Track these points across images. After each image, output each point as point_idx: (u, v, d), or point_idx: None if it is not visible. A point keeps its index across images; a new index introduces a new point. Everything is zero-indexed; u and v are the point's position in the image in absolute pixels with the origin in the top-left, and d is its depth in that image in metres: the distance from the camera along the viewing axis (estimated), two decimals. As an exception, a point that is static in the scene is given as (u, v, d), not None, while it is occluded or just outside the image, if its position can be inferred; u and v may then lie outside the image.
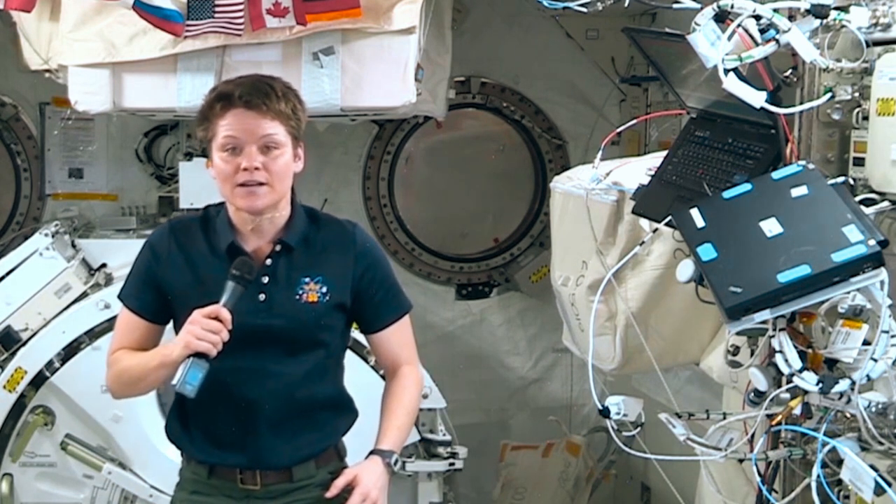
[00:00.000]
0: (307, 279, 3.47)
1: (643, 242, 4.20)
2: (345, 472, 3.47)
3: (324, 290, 3.47)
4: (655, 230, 4.00)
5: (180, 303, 3.45)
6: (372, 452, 3.50)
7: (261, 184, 3.36)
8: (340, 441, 3.66)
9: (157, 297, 3.52)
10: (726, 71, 3.37)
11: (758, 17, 3.43)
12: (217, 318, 3.28)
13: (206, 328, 3.27)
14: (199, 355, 3.28)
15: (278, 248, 3.48)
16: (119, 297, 3.63)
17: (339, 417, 3.63)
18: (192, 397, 3.29)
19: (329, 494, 3.45)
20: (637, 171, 4.33)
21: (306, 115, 3.52)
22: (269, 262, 3.47)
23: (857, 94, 3.48)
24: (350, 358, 3.75)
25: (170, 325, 3.58)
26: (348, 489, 3.42)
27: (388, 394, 3.63)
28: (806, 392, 3.43)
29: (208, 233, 3.52)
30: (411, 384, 3.64)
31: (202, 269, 3.47)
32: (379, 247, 3.70)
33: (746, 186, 3.49)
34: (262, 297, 3.44)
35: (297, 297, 3.46)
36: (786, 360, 3.40)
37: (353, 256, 3.53)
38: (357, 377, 3.82)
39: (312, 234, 3.53)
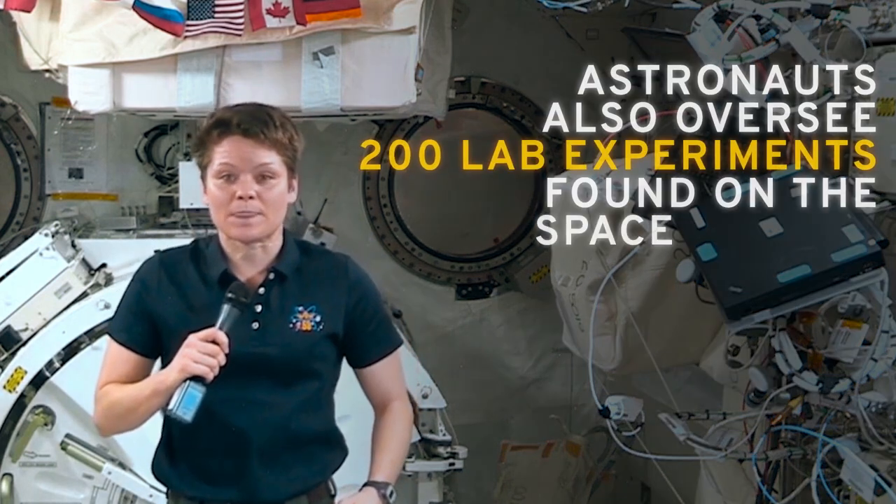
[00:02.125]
0: (300, 308, 3.44)
1: (643, 242, 4.20)
2: (341, 501, 3.42)
3: (317, 319, 3.44)
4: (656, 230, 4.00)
5: (172, 334, 3.39)
6: (366, 484, 3.45)
7: (254, 213, 3.34)
8: (331, 479, 3.60)
9: (148, 330, 3.47)
10: (726, 70, 3.37)
11: (758, 17, 3.44)
12: (214, 342, 3.25)
13: (203, 351, 3.23)
14: (195, 379, 3.23)
15: (272, 276, 3.44)
16: (108, 332, 3.59)
17: (330, 453, 3.58)
18: (189, 421, 3.24)
19: None
20: (637, 171, 4.33)
21: (303, 145, 3.49)
22: (262, 290, 3.44)
23: (857, 94, 3.48)
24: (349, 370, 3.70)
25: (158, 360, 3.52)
26: None
27: (379, 428, 3.57)
28: (806, 392, 3.44)
29: (199, 263, 3.48)
30: (403, 419, 3.58)
31: (194, 299, 3.43)
32: (371, 280, 3.64)
33: (746, 186, 3.49)
34: (255, 325, 3.41)
35: (291, 325, 3.43)
36: (786, 360, 3.41)
37: (345, 287, 3.50)
38: (357, 384, 3.75)
39: (304, 263, 3.50)
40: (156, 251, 3.60)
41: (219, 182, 3.36)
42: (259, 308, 3.42)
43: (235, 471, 3.42)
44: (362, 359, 3.57)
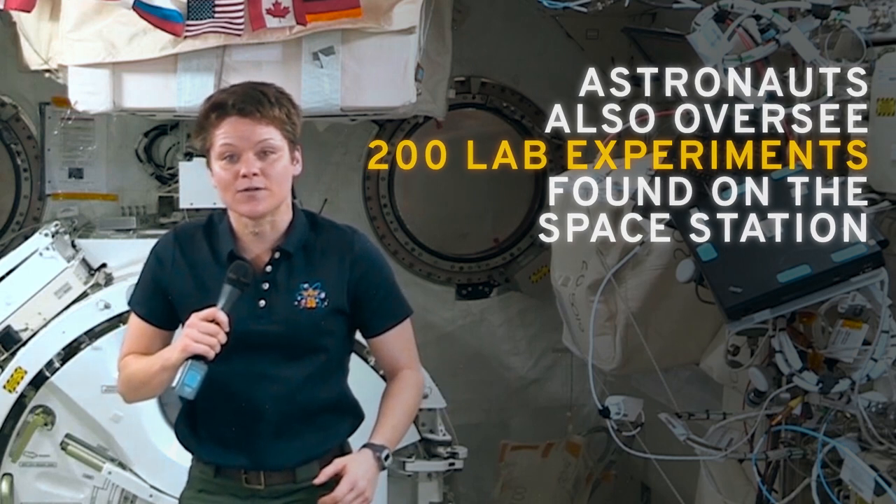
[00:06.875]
0: (306, 285, 3.52)
1: (643, 242, 4.21)
2: (334, 461, 3.49)
3: (322, 295, 3.52)
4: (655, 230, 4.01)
5: (184, 309, 3.50)
6: (364, 446, 3.54)
7: (260, 188, 3.41)
8: (346, 443, 3.68)
9: (163, 304, 3.59)
10: (726, 70, 3.38)
11: (758, 17, 3.44)
12: (214, 321, 3.35)
13: (203, 331, 3.34)
14: (197, 358, 3.34)
15: (277, 254, 3.52)
16: (129, 303, 3.72)
17: (342, 419, 3.66)
18: (192, 399, 3.37)
19: (318, 481, 3.48)
20: (637, 170, 4.33)
21: (301, 118, 3.56)
22: (268, 268, 3.52)
23: (856, 94, 3.48)
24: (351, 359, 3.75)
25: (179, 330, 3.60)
26: (338, 478, 3.45)
27: (386, 394, 3.66)
28: (806, 392, 3.44)
29: (212, 240, 3.57)
30: (410, 386, 3.67)
31: (204, 275, 3.53)
32: (378, 252, 3.72)
33: (743, 187, 3.49)
34: (262, 303, 3.50)
35: (296, 303, 3.51)
36: (786, 360, 3.41)
37: (349, 262, 3.56)
38: (358, 378, 3.81)
39: (311, 239, 3.57)
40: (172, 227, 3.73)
41: (222, 163, 3.45)
42: (266, 286, 3.51)
43: (247, 439, 3.55)
44: (370, 330, 3.65)
